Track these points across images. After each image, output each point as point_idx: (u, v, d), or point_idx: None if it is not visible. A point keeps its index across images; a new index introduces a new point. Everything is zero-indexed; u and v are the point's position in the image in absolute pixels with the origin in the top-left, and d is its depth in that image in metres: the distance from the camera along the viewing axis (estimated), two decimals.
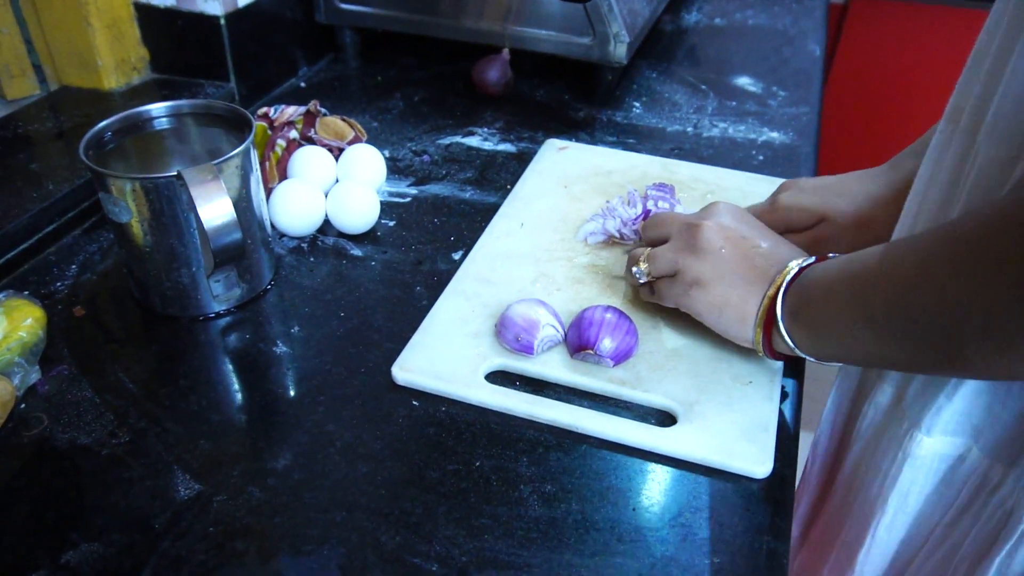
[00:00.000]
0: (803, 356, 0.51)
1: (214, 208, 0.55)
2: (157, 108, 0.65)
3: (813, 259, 0.52)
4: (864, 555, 0.58)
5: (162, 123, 0.66)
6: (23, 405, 0.56)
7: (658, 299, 0.59)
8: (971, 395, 0.47)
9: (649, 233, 0.61)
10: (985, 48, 0.45)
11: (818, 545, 0.66)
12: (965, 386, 0.47)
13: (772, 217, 0.63)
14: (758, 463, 0.51)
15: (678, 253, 0.56)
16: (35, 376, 0.57)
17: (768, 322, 0.52)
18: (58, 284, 0.67)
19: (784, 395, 0.57)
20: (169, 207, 0.58)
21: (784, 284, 0.51)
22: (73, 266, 0.70)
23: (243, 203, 0.61)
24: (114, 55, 0.89)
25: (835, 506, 0.63)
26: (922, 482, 0.52)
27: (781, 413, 0.56)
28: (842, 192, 0.61)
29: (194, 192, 0.54)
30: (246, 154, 0.60)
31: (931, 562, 0.54)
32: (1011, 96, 0.41)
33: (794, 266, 0.51)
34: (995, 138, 0.42)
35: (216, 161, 0.57)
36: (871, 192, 0.60)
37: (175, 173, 0.55)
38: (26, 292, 0.63)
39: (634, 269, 0.59)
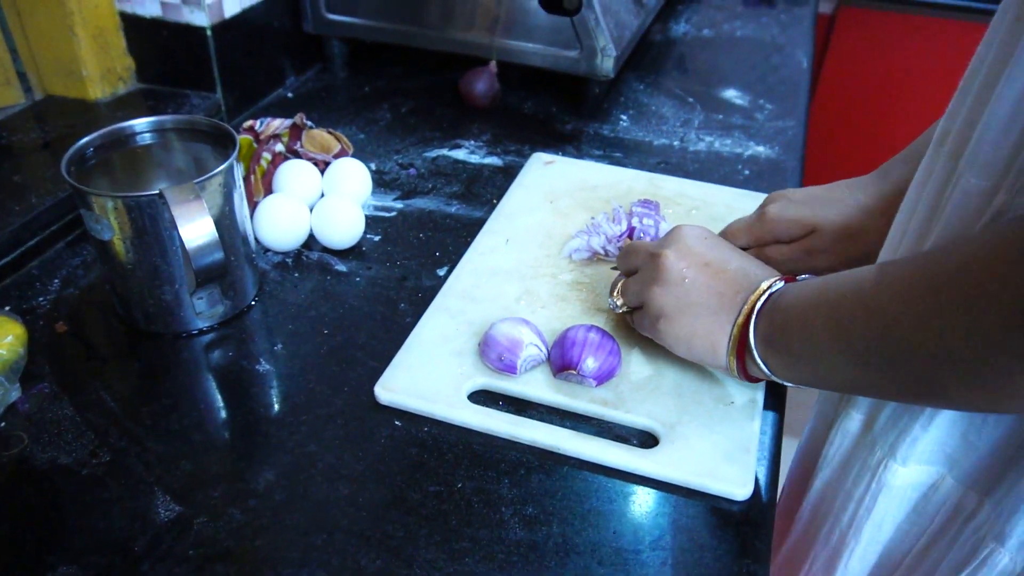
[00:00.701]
0: (778, 381, 0.51)
1: (196, 228, 0.55)
2: (140, 123, 0.65)
3: (782, 282, 0.51)
4: None
5: (145, 138, 0.65)
6: (3, 423, 0.56)
7: (636, 327, 0.59)
8: (947, 424, 0.48)
9: (621, 264, 0.61)
10: (974, 73, 0.44)
11: (782, 570, 0.65)
12: (941, 415, 0.48)
13: (760, 229, 0.62)
14: (739, 485, 0.52)
15: (643, 285, 0.55)
16: (15, 394, 0.57)
17: (741, 349, 0.51)
18: (40, 299, 0.67)
19: (766, 414, 0.58)
20: (152, 225, 0.57)
21: (755, 311, 0.50)
22: (56, 280, 0.69)
23: (226, 220, 0.61)
24: (100, 65, 0.89)
25: (800, 533, 0.62)
26: (895, 511, 0.52)
27: (763, 433, 0.56)
28: (831, 202, 0.60)
29: (175, 212, 0.54)
30: (229, 171, 0.60)
31: None
32: (994, 125, 0.41)
33: (764, 289, 0.51)
34: (976, 166, 0.42)
35: (198, 180, 0.57)
36: (860, 202, 0.59)
37: (157, 192, 0.55)
38: (7, 308, 0.63)
39: (609, 301, 0.60)
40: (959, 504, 0.48)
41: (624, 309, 0.59)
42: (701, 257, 0.54)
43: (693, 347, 0.54)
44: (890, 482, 0.51)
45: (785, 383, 0.51)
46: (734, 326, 0.51)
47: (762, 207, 0.64)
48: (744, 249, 0.64)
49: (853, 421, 0.55)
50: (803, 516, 0.61)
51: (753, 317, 0.50)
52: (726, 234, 0.65)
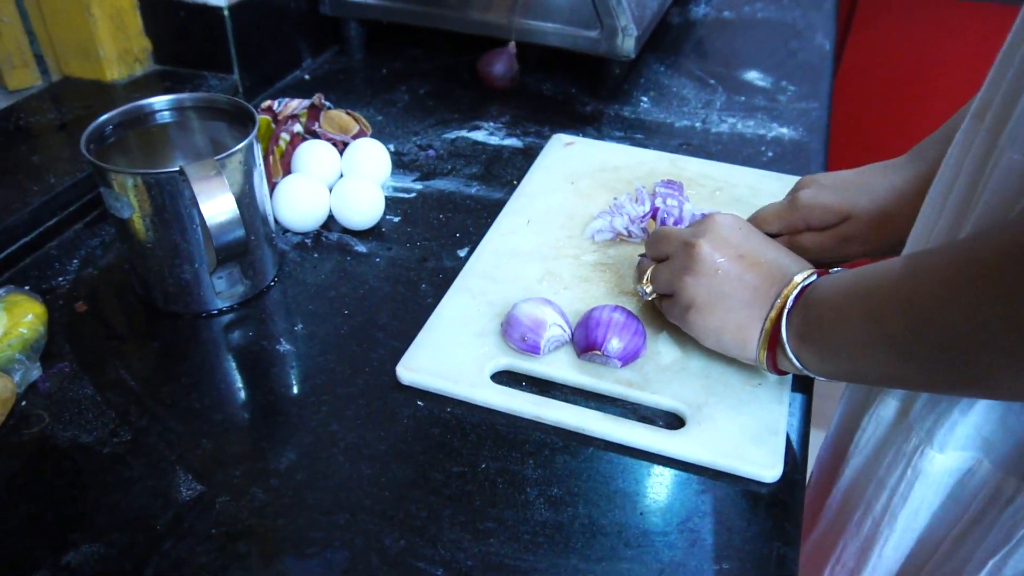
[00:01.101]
0: (810, 375, 0.50)
1: (217, 204, 0.54)
2: (159, 101, 0.64)
3: (815, 275, 0.50)
4: (869, 574, 0.57)
5: (164, 116, 0.65)
6: (24, 403, 0.55)
7: (665, 314, 0.58)
8: (985, 408, 0.46)
9: (651, 250, 0.59)
10: (1015, 46, 0.43)
11: (810, 559, 0.64)
12: (981, 401, 0.46)
13: (792, 216, 0.61)
14: (767, 467, 0.51)
15: (674, 274, 0.54)
16: (36, 373, 0.57)
17: (772, 344, 0.50)
18: (60, 279, 0.67)
19: (794, 396, 0.57)
20: (171, 203, 0.57)
21: (788, 305, 0.49)
22: (75, 260, 0.69)
23: (246, 199, 0.60)
24: (116, 46, 0.88)
25: (829, 521, 0.61)
26: (931, 499, 0.51)
27: (791, 415, 0.55)
28: (864, 187, 0.59)
29: (196, 188, 0.53)
30: (249, 149, 0.59)
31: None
32: None
33: (798, 282, 0.50)
34: (1018, 142, 0.41)
35: (219, 156, 0.56)
36: (895, 186, 0.58)
37: (177, 168, 0.55)
38: (27, 287, 0.62)
39: (638, 287, 0.58)
40: (997, 489, 0.47)
41: (653, 296, 0.58)
42: (736, 249, 0.52)
43: (723, 340, 0.53)
44: (926, 469, 0.49)
45: (817, 376, 0.50)
46: (766, 320, 0.50)
47: (793, 192, 0.62)
48: (775, 236, 0.63)
49: (888, 408, 0.53)
50: (832, 504, 0.60)
51: (785, 312, 0.49)
52: (756, 220, 0.64)
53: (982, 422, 0.46)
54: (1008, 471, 0.46)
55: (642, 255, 0.62)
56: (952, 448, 0.48)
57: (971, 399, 0.47)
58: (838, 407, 0.63)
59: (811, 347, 0.48)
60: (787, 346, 0.49)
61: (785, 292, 0.50)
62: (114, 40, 0.88)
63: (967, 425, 0.47)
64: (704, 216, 0.67)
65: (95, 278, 0.67)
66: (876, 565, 0.55)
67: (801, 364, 0.49)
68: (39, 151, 0.77)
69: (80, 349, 0.60)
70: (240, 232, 0.56)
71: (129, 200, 0.57)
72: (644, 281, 0.58)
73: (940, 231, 0.48)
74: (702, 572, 0.46)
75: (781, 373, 0.53)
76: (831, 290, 0.47)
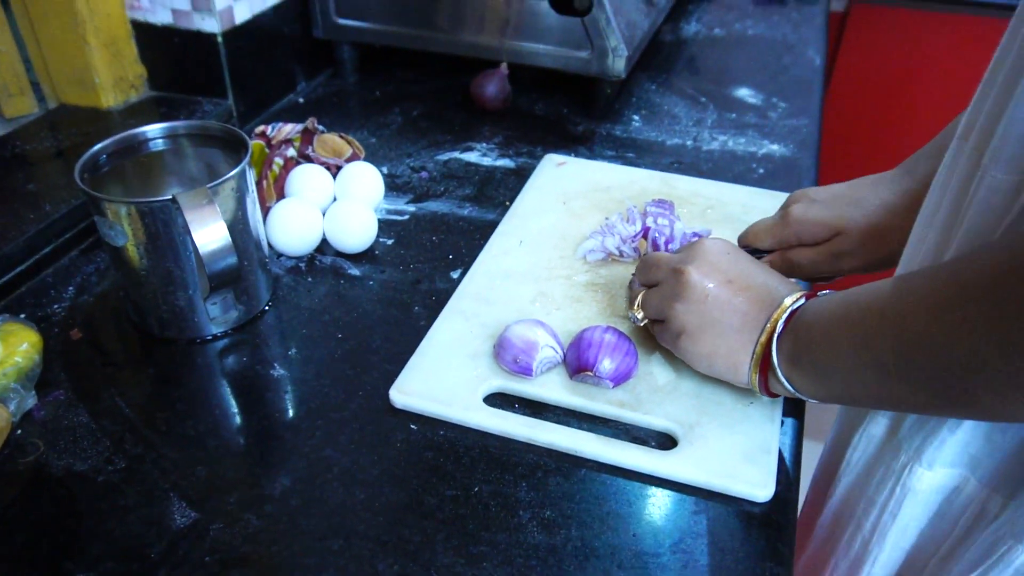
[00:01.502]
0: (803, 397, 0.51)
1: (209, 233, 0.55)
2: (153, 130, 0.65)
3: (804, 298, 0.50)
4: None
5: (158, 144, 0.65)
6: (19, 431, 0.56)
7: (657, 339, 0.58)
8: (972, 426, 0.47)
9: (641, 276, 0.59)
10: (998, 65, 0.43)
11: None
12: None
13: (784, 231, 0.61)
14: (760, 486, 0.51)
15: (664, 301, 0.55)
16: (31, 402, 0.57)
17: (764, 368, 0.51)
18: (55, 306, 0.67)
19: (786, 415, 0.57)
20: (165, 231, 0.57)
21: (778, 330, 0.50)
22: (70, 288, 0.69)
23: (239, 225, 0.61)
24: (112, 73, 0.89)
25: (820, 541, 0.61)
26: (919, 516, 0.51)
27: (783, 434, 0.55)
28: (855, 202, 0.59)
29: (189, 217, 0.54)
30: (242, 176, 0.60)
31: None
32: (1019, 119, 0.40)
33: (787, 305, 0.50)
34: (1001, 161, 0.41)
35: (211, 184, 0.57)
36: (885, 200, 0.58)
37: (170, 197, 0.55)
38: (22, 315, 0.63)
39: (630, 314, 0.59)
40: (983, 507, 0.47)
41: (645, 322, 0.58)
42: (724, 274, 0.53)
43: (714, 365, 0.53)
44: (915, 487, 0.50)
45: (809, 399, 0.51)
46: (757, 344, 0.51)
47: (784, 208, 0.63)
48: (768, 251, 0.63)
49: (878, 426, 0.54)
50: (824, 523, 0.60)
51: (776, 336, 0.50)
52: (748, 235, 0.64)
53: (969, 439, 0.46)
54: (994, 488, 0.46)
55: (634, 277, 0.62)
56: (940, 465, 0.48)
57: None
58: (832, 426, 0.63)
59: (802, 371, 0.49)
60: (778, 370, 0.50)
61: (775, 316, 0.50)
62: (110, 67, 0.89)
63: (955, 443, 0.47)
64: (694, 239, 0.68)
65: (90, 305, 0.68)
66: None
67: (793, 387, 0.50)
68: (35, 179, 0.78)
69: (75, 377, 0.60)
70: (233, 259, 0.56)
71: (123, 228, 0.57)
72: (635, 307, 0.58)
73: (928, 249, 0.48)
74: None
75: (774, 396, 0.53)
76: (821, 313, 0.48)
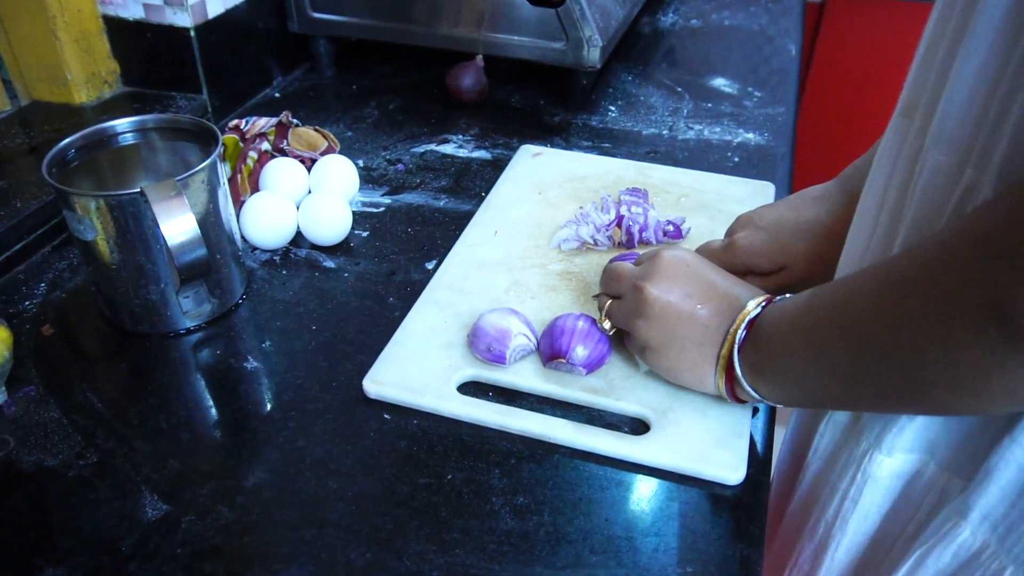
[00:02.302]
0: (770, 403, 0.51)
1: (177, 225, 0.54)
2: (122, 124, 0.64)
3: (763, 306, 0.50)
4: None
5: (128, 139, 0.65)
6: None
7: (628, 347, 0.58)
8: None
9: (605, 288, 0.59)
10: (938, 38, 0.42)
11: (772, 564, 0.65)
12: None
13: (730, 258, 0.61)
14: (731, 469, 0.51)
15: (627, 315, 0.55)
16: (2, 398, 0.57)
17: (729, 377, 0.51)
18: (27, 303, 0.67)
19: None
20: (135, 224, 0.57)
21: (738, 340, 0.50)
22: (42, 284, 0.69)
23: (211, 218, 0.60)
24: (84, 69, 0.88)
25: (788, 528, 0.62)
26: (880, 502, 0.51)
27: (755, 418, 0.56)
28: (797, 231, 0.59)
29: (156, 209, 0.54)
30: (212, 168, 0.60)
31: None
32: (957, 99, 0.39)
33: (748, 310, 0.50)
34: (943, 142, 0.41)
35: (180, 177, 0.56)
36: (827, 225, 0.58)
37: (138, 190, 0.55)
38: None
39: (599, 325, 0.58)
40: (944, 491, 0.47)
41: (613, 332, 0.58)
42: (683, 288, 0.52)
43: (681, 377, 0.54)
44: (875, 473, 0.50)
45: (778, 405, 0.51)
46: (718, 357, 0.51)
47: (730, 233, 0.63)
48: None
49: (843, 413, 0.54)
50: (793, 511, 0.61)
51: (736, 346, 0.50)
52: None
53: (927, 423, 0.47)
54: (953, 471, 0.46)
55: (597, 295, 0.62)
56: (899, 451, 0.48)
57: None
58: (793, 413, 0.63)
59: (765, 380, 0.49)
60: (743, 380, 0.50)
61: (733, 328, 0.50)
62: (81, 63, 0.88)
63: (913, 428, 0.47)
64: (668, 226, 0.68)
65: (63, 301, 0.67)
66: (829, 568, 0.55)
67: (759, 395, 0.50)
68: (7, 176, 0.77)
69: (47, 372, 0.60)
70: (202, 251, 0.56)
71: (92, 222, 0.57)
72: (602, 318, 0.58)
73: (878, 239, 0.48)
74: None
75: (742, 402, 0.54)
76: (778, 321, 0.48)
